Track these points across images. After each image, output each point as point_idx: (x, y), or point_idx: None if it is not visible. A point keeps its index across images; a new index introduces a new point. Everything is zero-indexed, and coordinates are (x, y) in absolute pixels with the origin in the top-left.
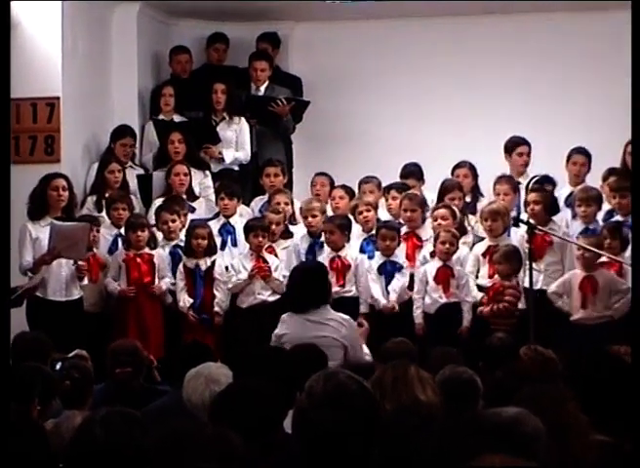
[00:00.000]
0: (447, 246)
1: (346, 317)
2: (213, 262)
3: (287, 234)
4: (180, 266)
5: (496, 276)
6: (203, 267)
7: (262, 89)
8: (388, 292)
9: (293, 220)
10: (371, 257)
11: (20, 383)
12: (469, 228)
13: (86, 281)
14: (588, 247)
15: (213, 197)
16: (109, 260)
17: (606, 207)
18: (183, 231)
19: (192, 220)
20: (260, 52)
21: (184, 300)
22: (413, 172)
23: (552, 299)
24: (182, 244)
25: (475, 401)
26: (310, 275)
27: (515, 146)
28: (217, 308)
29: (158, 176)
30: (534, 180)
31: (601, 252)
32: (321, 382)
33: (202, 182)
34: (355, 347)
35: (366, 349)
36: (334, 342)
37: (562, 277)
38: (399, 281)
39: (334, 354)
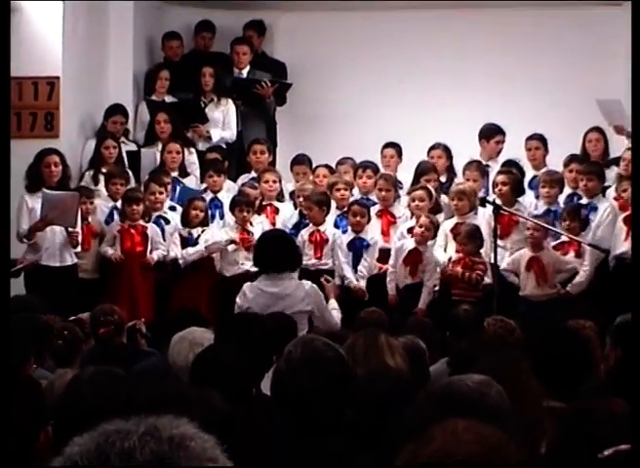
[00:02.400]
0: (424, 230)
1: (308, 287)
2: (202, 231)
3: (275, 211)
4: (176, 234)
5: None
6: (195, 236)
7: (245, 72)
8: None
9: (280, 197)
10: (344, 232)
11: (16, 341)
12: (444, 206)
13: (79, 248)
14: (550, 227)
15: (197, 173)
16: (105, 230)
17: (567, 191)
18: (167, 203)
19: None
20: (242, 37)
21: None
22: (395, 145)
23: (505, 275)
24: (165, 215)
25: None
26: (279, 241)
27: (493, 134)
28: (186, 256)
29: (146, 153)
30: (502, 164)
31: (562, 232)
32: (299, 348)
33: (187, 159)
34: (321, 312)
35: (334, 304)
36: (294, 310)
37: (514, 254)
38: (367, 262)
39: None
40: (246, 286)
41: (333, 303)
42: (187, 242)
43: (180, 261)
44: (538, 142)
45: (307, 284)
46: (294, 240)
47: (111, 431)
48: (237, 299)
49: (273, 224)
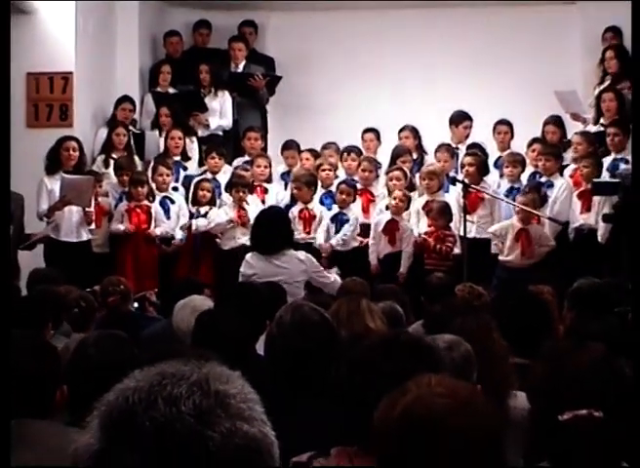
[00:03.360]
0: (397, 201)
1: (303, 256)
2: (209, 210)
3: (265, 191)
4: (185, 211)
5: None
6: (202, 212)
7: (241, 66)
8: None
9: (269, 180)
10: (329, 209)
11: (35, 309)
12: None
13: (93, 226)
14: (509, 201)
15: (197, 158)
16: (114, 209)
17: (529, 170)
18: (172, 184)
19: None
20: (238, 35)
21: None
22: (374, 130)
23: (490, 237)
24: (171, 196)
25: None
26: (274, 219)
27: (461, 120)
28: (194, 226)
29: (150, 135)
30: (467, 146)
31: (525, 207)
32: (288, 313)
33: (188, 145)
34: (315, 276)
35: (334, 272)
36: (295, 279)
37: (503, 222)
38: (344, 231)
39: (295, 289)
40: (249, 256)
41: (334, 272)
42: (194, 218)
43: (193, 228)
44: (506, 127)
45: (302, 253)
46: (287, 218)
47: (167, 373)
48: (241, 268)
49: (263, 202)
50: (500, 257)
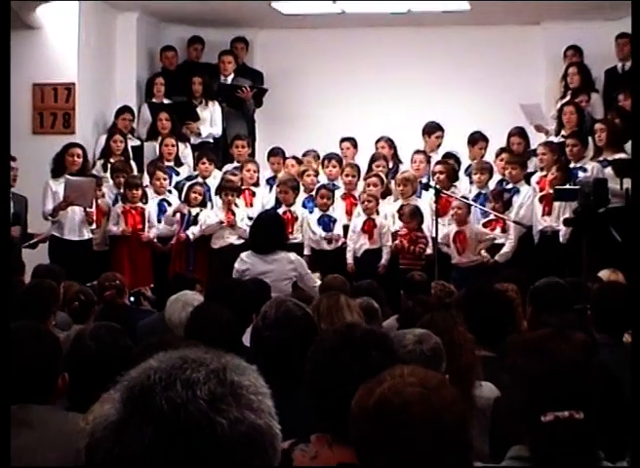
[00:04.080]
0: (366, 203)
1: (293, 257)
2: (199, 211)
3: (252, 194)
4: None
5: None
6: (193, 213)
7: (229, 78)
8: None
9: (257, 184)
10: (311, 212)
11: (38, 302)
12: (393, 190)
13: (94, 226)
14: (477, 205)
15: (191, 163)
16: (112, 209)
17: (497, 177)
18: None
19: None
20: (228, 49)
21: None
22: (351, 139)
23: (440, 247)
24: (168, 198)
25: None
26: (270, 223)
27: (434, 131)
28: (190, 234)
29: (148, 147)
30: (443, 155)
31: (490, 210)
32: (273, 308)
33: (182, 152)
34: (304, 276)
35: (316, 277)
36: (284, 277)
37: (444, 231)
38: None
39: (283, 287)
40: (244, 254)
41: (316, 275)
42: (187, 219)
43: (191, 236)
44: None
45: (292, 255)
46: (283, 222)
47: (189, 359)
48: (236, 264)
49: (251, 205)
50: (452, 261)
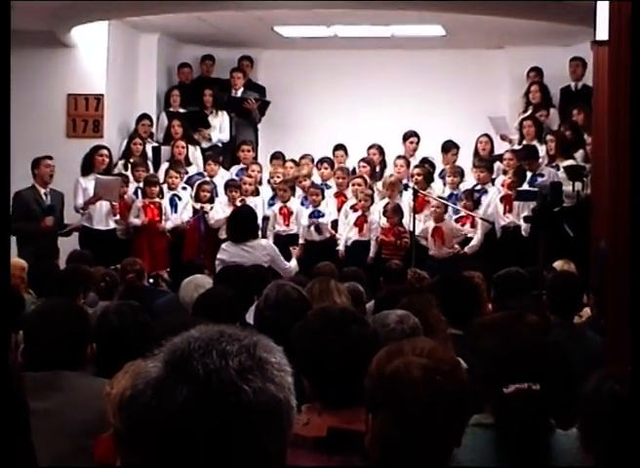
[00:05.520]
0: (362, 202)
1: (265, 243)
2: (211, 207)
3: (256, 193)
4: (190, 207)
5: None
6: (206, 209)
7: (239, 92)
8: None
9: (259, 183)
10: (307, 208)
11: (70, 282)
12: (377, 191)
13: (118, 216)
14: (449, 204)
15: (200, 164)
16: (133, 204)
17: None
18: (181, 184)
19: (193, 177)
20: (238, 67)
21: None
22: (343, 147)
23: (418, 239)
24: (179, 194)
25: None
26: (244, 215)
27: (409, 137)
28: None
29: (164, 149)
30: (420, 160)
31: (461, 208)
32: (274, 291)
33: (193, 154)
34: (276, 261)
35: (294, 262)
36: (259, 262)
37: (423, 226)
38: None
39: None
40: (224, 244)
41: (293, 262)
42: (197, 213)
43: (211, 222)
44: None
45: (264, 241)
46: (255, 215)
47: (225, 333)
48: (218, 255)
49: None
50: (430, 252)
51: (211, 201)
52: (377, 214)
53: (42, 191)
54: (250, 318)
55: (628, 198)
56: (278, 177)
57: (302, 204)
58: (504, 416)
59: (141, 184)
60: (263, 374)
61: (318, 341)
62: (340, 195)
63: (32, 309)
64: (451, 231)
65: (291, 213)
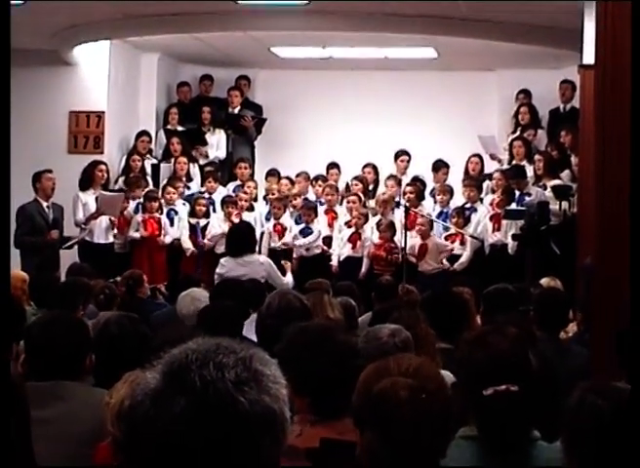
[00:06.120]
0: (356, 219)
1: (262, 259)
2: (207, 222)
3: (251, 208)
4: (186, 222)
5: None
6: (201, 224)
7: (236, 110)
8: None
9: (255, 199)
10: (299, 224)
11: (70, 294)
12: (369, 208)
13: (115, 231)
14: (440, 221)
15: (199, 181)
16: (133, 218)
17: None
18: (180, 199)
19: (191, 194)
20: (235, 85)
21: (186, 242)
22: (336, 165)
23: (408, 256)
24: (176, 208)
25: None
26: (242, 231)
27: (399, 155)
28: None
29: (164, 166)
30: (412, 178)
31: (452, 226)
32: (276, 299)
33: (192, 170)
34: (272, 276)
35: (290, 277)
36: (257, 276)
37: (410, 243)
38: (308, 239)
39: None
40: (223, 259)
41: (289, 276)
42: (195, 229)
43: (206, 247)
44: (445, 168)
45: (262, 257)
46: (253, 230)
47: (222, 345)
48: (217, 269)
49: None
50: (419, 268)
51: (206, 216)
52: (369, 231)
53: (44, 204)
54: (246, 331)
55: (613, 217)
56: (273, 194)
57: (297, 221)
58: (485, 418)
59: (141, 199)
60: (259, 386)
61: (300, 358)
62: (330, 212)
63: (33, 320)
64: (436, 247)
65: (284, 229)
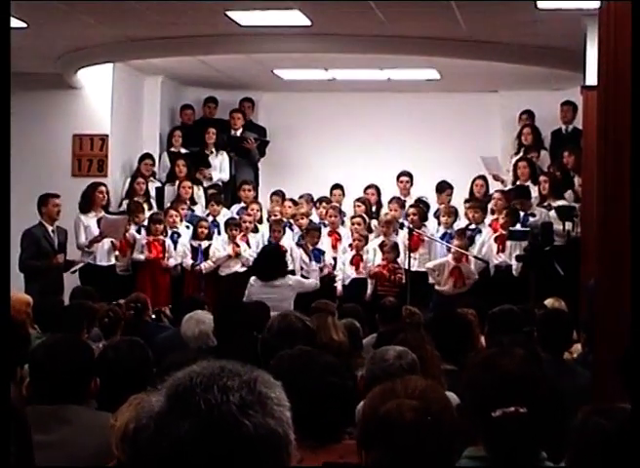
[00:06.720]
0: (357, 242)
1: (291, 281)
2: (209, 245)
3: (255, 230)
4: (188, 245)
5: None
6: (203, 246)
7: (238, 132)
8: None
9: (260, 221)
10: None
11: (75, 317)
12: (374, 228)
13: (117, 253)
14: (443, 242)
15: (203, 203)
16: (137, 241)
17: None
18: (183, 223)
19: (195, 216)
20: (238, 108)
21: (188, 265)
22: (340, 186)
23: (428, 272)
24: (179, 231)
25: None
26: (270, 255)
27: (400, 176)
28: (204, 269)
29: (168, 189)
30: (415, 200)
31: (455, 247)
32: (277, 320)
33: (196, 193)
34: (302, 287)
35: (311, 279)
36: (284, 299)
37: (439, 259)
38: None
39: (284, 306)
40: (252, 278)
41: (312, 279)
42: (197, 250)
43: (204, 271)
44: (450, 190)
45: (290, 279)
46: (283, 254)
47: (226, 368)
48: (247, 290)
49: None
50: (437, 287)
51: (208, 238)
52: (371, 253)
53: (50, 228)
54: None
55: (615, 237)
56: (275, 216)
57: (298, 244)
58: (494, 440)
59: (144, 223)
60: (263, 409)
61: (285, 384)
62: (334, 233)
63: (38, 344)
64: (467, 273)
65: (285, 251)
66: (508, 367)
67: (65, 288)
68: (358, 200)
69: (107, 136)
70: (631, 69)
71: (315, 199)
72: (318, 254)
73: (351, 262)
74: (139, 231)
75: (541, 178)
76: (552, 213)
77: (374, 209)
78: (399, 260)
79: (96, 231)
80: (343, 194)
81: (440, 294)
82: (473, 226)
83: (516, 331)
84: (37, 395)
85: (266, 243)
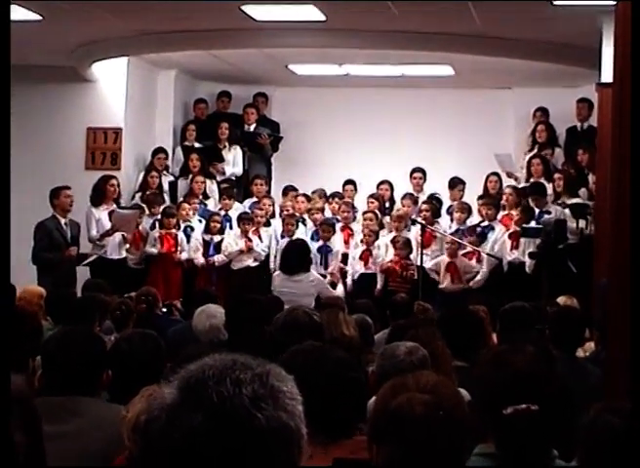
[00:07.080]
0: (367, 237)
1: (313, 277)
2: (221, 239)
3: (268, 224)
4: (200, 239)
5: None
6: (215, 240)
7: (252, 127)
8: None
9: (272, 216)
10: (317, 241)
11: (87, 310)
12: (386, 224)
13: (128, 246)
14: (457, 240)
15: (216, 197)
16: (149, 234)
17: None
18: (195, 217)
19: (207, 211)
20: (251, 103)
21: (199, 262)
22: (352, 182)
23: (428, 272)
24: (192, 224)
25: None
26: (294, 250)
27: (413, 172)
28: (217, 262)
29: (181, 183)
30: (428, 196)
31: (468, 244)
32: (283, 315)
33: (209, 187)
34: (323, 292)
35: (339, 288)
36: (305, 294)
37: (436, 259)
38: (332, 263)
39: (305, 301)
40: (276, 273)
41: (339, 289)
42: (209, 244)
43: (217, 263)
44: (462, 185)
45: (312, 275)
46: (308, 249)
47: (239, 362)
48: (272, 284)
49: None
50: (439, 286)
51: (221, 232)
52: (383, 249)
53: (62, 221)
54: None
55: (629, 235)
56: (287, 210)
57: (312, 238)
58: (504, 437)
59: (159, 216)
60: (276, 403)
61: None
62: (346, 228)
63: (50, 335)
64: (464, 267)
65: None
66: (519, 364)
67: (78, 280)
68: (371, 196)
69: (121, 129)
70: None
71: (328, 194)
72: (325, 251)
73: (360, 257)
74: (152, 225)
75: (556, 176)
76: (566, 210)
77: (387, 205)
78: (411, 256)
79: (107, 224)
80: (356, 190)
81: (442, 293)
82: (486, 223)
83: (528, 328)
84: (49, 386)
85: (279, 238)
